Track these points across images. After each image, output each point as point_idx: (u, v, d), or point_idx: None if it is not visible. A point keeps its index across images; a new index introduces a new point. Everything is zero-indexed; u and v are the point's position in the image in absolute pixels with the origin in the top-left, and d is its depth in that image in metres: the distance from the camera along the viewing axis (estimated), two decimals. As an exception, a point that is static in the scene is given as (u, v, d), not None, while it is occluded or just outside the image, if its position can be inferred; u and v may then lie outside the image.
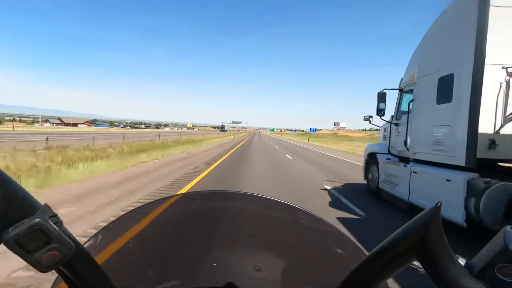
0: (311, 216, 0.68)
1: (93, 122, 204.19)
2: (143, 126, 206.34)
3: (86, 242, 0.58)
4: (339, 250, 0.65)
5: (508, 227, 0.37)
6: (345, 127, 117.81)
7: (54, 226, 0.39)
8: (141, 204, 0.70)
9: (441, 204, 0.34)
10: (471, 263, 0.36)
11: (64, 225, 0.40)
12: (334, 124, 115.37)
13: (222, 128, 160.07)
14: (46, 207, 0.41)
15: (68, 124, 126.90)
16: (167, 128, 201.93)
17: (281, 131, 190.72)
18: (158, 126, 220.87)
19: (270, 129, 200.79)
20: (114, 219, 0.66)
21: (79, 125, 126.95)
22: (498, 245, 0.35)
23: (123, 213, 0.68)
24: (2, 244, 0.36)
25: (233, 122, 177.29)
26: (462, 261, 0.36)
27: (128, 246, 0.60)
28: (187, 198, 0.80)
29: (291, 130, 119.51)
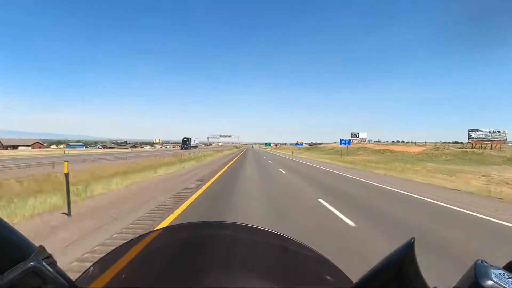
0: (300, 244, 0.73)
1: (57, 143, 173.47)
2: (116, 145, 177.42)
3: (78, 278, 0.58)
4: (329, 278, 0.67)
5: (479, 261, 0.38)
6: (365, 139, 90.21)
7: (49, 268, 0.39)
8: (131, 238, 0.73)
9: (414, 240, 0.35)
10: None
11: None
12: (352, 134, 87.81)
13: (184, 143, 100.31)
14: (41, 248, 0.42)
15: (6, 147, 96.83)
16: (148, 147, 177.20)
17: (276, 145, 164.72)
18: (135, 145, 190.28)
19: (266, 144, 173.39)
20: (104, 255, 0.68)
21: (20, 147, 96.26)
22: (469, 279, 0.35)
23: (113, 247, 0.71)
24: None
25: (221, 136, 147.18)
26: None
27: (120, 279, 0.60)
28: (176, 229, 0.84)
29: (298, 144, 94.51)
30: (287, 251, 0.74)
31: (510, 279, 0.34)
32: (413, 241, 0.35)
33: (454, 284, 0.37)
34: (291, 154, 60.30)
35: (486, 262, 0.38)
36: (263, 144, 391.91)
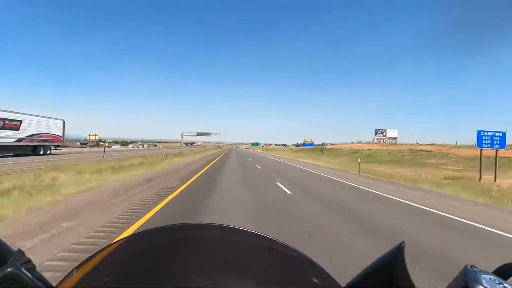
0: (286, 246, 0.74)
1: None
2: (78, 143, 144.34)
3: (59, 283, 0.58)
4: (316, 281, 0.66)
5: (469, 266, 0.38)
6: (396, 138, 66.84)
7: (27, 273, 0.39)
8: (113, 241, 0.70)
9: (404, 244, 0.36)
10: None
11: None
12: (376, 132, 64.43)
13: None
14: (19, 253, 0.41)
15: None
16: (115, 146, 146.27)
17: (263, 146, 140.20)
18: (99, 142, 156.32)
19: (253, 144, 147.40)
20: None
21: None
22: (459, 285, 0.35)
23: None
24: None
25: (198, 134, 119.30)
26: None
27: (103, 283, 0.57)
28: (160, 231, 0.81)
29: (307, 144, 69.22)
30: (272, 252, 0.73)
31: (501, 285, 0.34)
32: (403, 245, 0.36)
33: None
34: (298, 160, 38.00)
35: (475, 267, 0.38)
36: (248, 144, 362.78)
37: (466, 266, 0.38)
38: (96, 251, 0.69)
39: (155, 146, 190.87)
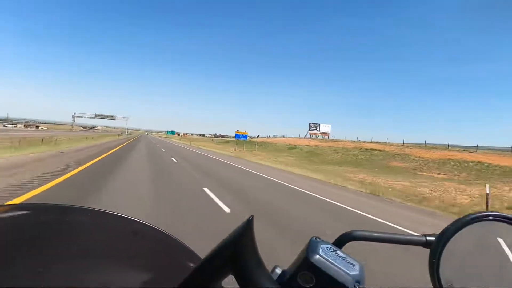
0: (151, 227, 0.74)
1: None
2: None
3: None
4: (179, 257, 0.70)
5: (314, 237, 0.41)
6: (328, 133, 63.95)
7: None
8: None
9: (253, 217, 0.37)
10: (285, 272, 0.40)
11: None
12: (310, 126, 60.13)
13: None
14: None
15: None
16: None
17: (181, 135, 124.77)
18: None
19: (169, 132, 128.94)
20: None
21: None
22: (302, 255, 0.38)
23: None
24: None
25: (97, 116, 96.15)
26: (279, 271, 0.40)
27: None
28: (12, 210, 0.75)
29: (241, 136, 47.99)
30: (138, 234, 0.72)
31: (333, 252, 0.38)
32: (252, 219, 0.37)
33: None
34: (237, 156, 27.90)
35: (319, 239, 0.41)
36: (163, 132, 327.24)
37: (311, 238, 0.41)
38: None
39: (37, 127, 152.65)
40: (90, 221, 0.74)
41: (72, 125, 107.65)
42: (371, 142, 46.45)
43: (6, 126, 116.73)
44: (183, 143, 63.69)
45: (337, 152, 37.09)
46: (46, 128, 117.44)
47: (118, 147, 24.33)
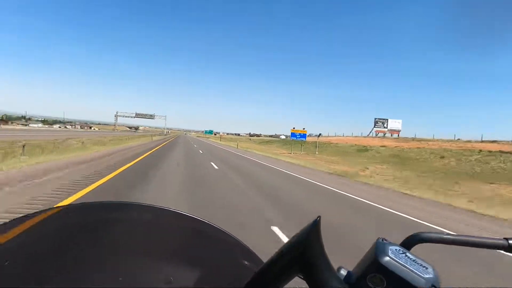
0: (214, 227, 0.72)
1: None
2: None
3: None
4: (246, 263, 0.66)
5: (380, 239, 0.41)
6: (399, 130, 52.80)
7: None
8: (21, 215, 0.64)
9: (320, 218, 0.37)
10: (350, 273, 0.39)
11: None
12: (376, 123, 49.73)
13: None
14: None
15: None
16: (35, 125, 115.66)
17: (218, 134, 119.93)
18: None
19: (206, 131, 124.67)
20: None
21: None
22: (371, 257, 0.37)
23: None
24: None
25: (137, 115, 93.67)
26: (344, 272, 0.40)
27: (2, 267, 0.49)
28: (75, 208, 0.77)
29: (298, 136, 39.10)
30: (202, 234, 0.72)
31: (403, 254, 0.37)
32: (319, 220, 0.37)
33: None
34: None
35: (385, 240, 0.40)
36: (200, 131, 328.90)
37: (377, 239, 0.40)
38: (7, 224, 0.59)
39: (90, 128, 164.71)
40: (152, 219, 0.74)
41: (115, 125, 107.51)
42: (482, 142, 34.16)
43: (67, 127, 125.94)
44: (225, 144, 57.03)
45: (442, 157, 26.72)
46: (97, 129, 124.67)
47: (153, 150, 17.85)
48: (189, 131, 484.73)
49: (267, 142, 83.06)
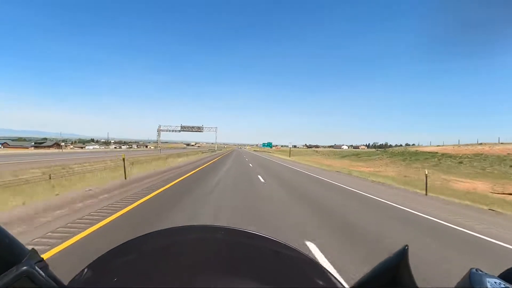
0: (290, 248, 0.75)
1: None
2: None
3: (71, 281, 0.60)
4: (321, 283, 0.66)
5: (474, 269, 0.38)
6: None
7: (41, 272, 0.40)
8: (122, 242, 0.76)
9: (408, 247, 0.36)
10: None
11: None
12: None
13: None
14: (33, 252, 0.42)
15: None
16: (91, 147, 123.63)
17: (261, 146, 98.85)
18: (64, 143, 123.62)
19: (264, 144, 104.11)
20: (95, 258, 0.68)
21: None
22: (465, 287, 0.35)
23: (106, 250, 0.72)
24: None
25: (183, 129, 76.07)
26: None
27: (112, 283, 0.59)
28: (167, 232, 0.84)
29: None
30: (278, 254, 0.74)
31: None
32: (407, 248, 0.36)
33: None
34: None
35: (480, 271, 0.38)
36: (255, 145, 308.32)
37: (471, 269, 0.38)
38: (104, 252, 0.70)
39: (146, 146, 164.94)
40: (229, 239, 0.79)
41: (157, 142, 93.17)
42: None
43: (121, 147, 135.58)
44: (306, 165, 34.75)
45: None
46: (153, 148, 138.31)
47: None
48: (243, 145, 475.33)
49: (357, 155, 58.44)
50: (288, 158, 51.29)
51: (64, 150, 79.62)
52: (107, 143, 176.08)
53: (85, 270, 0.63)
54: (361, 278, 0.40)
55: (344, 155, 66.60)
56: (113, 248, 0.71)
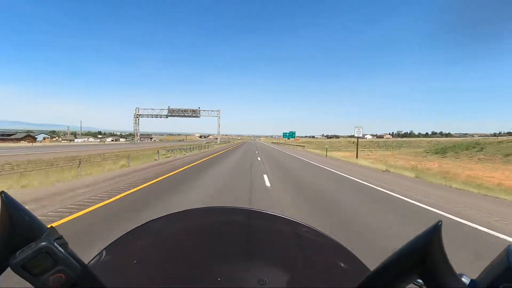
0: (314, 230, 0.74)
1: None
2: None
3: (90, 261, 0.60)
4: (343, 265, 0.67)
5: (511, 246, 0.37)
6: None
7: (60, 248, 0.40)
8: (143, 223, 0.76)
9: (441, 223, 0.34)
10: (475, 281, 0.36)
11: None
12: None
13: None
14: (52, 229, 0.42)
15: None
16: (79, 140, 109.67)
17: (279, 138, 78.17)
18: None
19: (285, 135, 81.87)
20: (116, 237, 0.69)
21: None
22: (502, 264, 0.33)
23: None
24: (9, 268, 0.37)
25: (171, 112, 52.24)
26: (466, 280, 0.36)
27: (132, 265, 0.62)
28: (187, 214, 0.84)
29: None
30: (301, 237, 0.74)
31: None
32: (440, 224, 0.34)
33: (484, 272, 0.36)
34: None
35: None
36: (270, 136, 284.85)
37: (509, 245, 0.36)
38: (123, 233, 0.70)
39: (151, 139, 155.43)
40: (251, 222, 0.79)
41: (135, 134, 73.93)
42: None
43: (113, 140, 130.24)
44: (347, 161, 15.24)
45: None
46: (158, 140, 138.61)
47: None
48: (258, 136, 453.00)
49: (435, 150, 37.10)
50: (324, 155, 30.44)
51: (44, 144, 65.88)
52: (93, 134, 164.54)
53: (104, 251, 0.63)
54: (389, 257, 0.37)
55: (413, 148, 44.80)
56: (132, 229, 0.71)
